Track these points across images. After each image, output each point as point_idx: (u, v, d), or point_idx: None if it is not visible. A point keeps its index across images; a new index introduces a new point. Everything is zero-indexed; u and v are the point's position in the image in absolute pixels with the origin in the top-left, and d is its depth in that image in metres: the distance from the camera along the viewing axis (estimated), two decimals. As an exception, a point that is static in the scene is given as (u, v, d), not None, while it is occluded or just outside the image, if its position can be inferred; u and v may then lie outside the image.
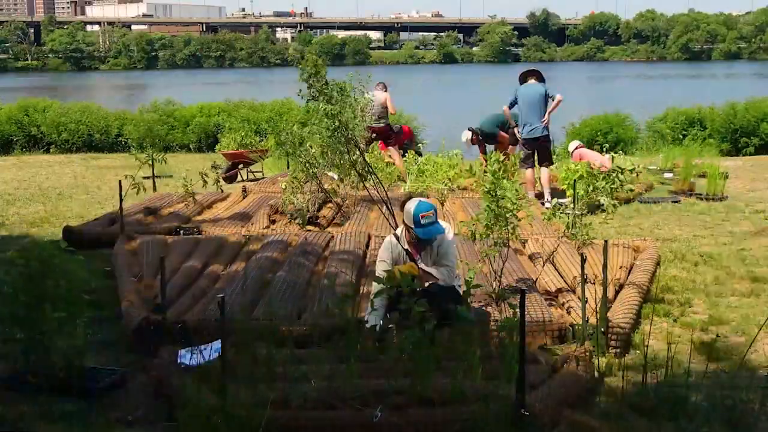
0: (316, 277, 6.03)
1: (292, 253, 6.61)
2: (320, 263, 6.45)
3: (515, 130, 10.43)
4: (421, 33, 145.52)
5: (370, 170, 7.20)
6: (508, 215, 5.40)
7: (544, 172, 9.84)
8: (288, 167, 12.15)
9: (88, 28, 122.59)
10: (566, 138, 17.28)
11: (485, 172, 10.60)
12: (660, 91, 43.13)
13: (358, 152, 7.08)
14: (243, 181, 12.25)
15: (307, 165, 8.47)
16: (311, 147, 8.46)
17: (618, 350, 4.74)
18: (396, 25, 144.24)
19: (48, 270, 4.29)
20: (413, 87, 49.10)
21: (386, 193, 7.29)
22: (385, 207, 7.11)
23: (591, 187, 6.78)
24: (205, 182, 10.30)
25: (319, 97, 6.71)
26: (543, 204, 9.25)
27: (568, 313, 5.13)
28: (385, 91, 11.75)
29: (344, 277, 5.79)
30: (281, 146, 8.55)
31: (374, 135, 11.04)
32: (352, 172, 7.75)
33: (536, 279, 5.87)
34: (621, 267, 6.08)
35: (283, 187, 8.79)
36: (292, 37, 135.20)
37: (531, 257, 6.60)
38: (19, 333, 4.30)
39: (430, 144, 17.13)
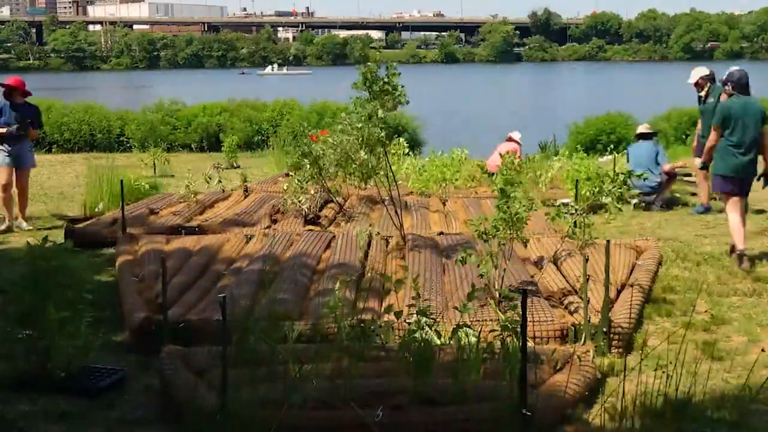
0: (318, 277, 6.03)
1: (294, 252, 6.60)
2: (322, 263, 6.44)
3: None
4: (422, 32, 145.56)
5: (391, 170, 7.22)
6: (515, 217, 5.40)
7: None
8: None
9: (90, 27, 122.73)
10: (569, 138, 17.30)
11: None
12: (662, 90, 43.10)
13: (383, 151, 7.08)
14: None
15: (317, 168, 8.44)
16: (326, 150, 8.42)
17: (620, 350, 4.73)
18: (398, 24, 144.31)
19: (53, 270, 4.29)
20: (415, 87, 49.03)
21: (399, 194, 7.29)
22: (392, 207, 7.13)
23: (597, 189, 6.79)
24: (208, 182, 10.27)
25: (380, 94, 6.67)
26: None
27: (571, 313, 5.12)
28: None
29: (345, 277, 5.77)
30: (306, 157, 8.50)
31: None
32: (358, 171, 7.71)
33: (538, 279, 5.86)
34: (623, 267, 6.08)
35: (285, 187, 8.78)
36: (294, 37, 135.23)
37: (533, 257, 6.59)
38: (21, 332, 4.30)
39: (432, 144, 17.13)
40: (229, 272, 6.16)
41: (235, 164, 13.82)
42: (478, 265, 5.21)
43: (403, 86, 6.80)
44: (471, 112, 33.26)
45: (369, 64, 6.72)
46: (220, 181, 10.34)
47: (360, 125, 6.67)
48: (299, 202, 8.47)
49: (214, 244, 6.98)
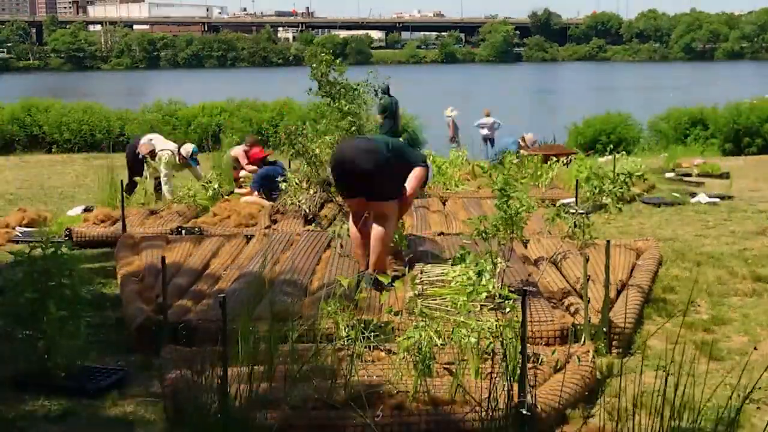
0: (318, 277, 6.02)
1: (294, 252, 6.60)
2: (322, 263, 6.44)
3: None
4: (422, 32, 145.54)
5: None
6: (515, 217, 5.41)
7: None
8: (289, 166, 12.11)
9: (90, 27, 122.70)
10: (569, 138, 17.32)
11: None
12: (662, 90, 43.09)
13: None
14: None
15: (312, 164, 8.51)
16: (317, 148, 8.50)
17: (620, 350, 4.73)
18: (398, 24, 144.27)
19: (52, 269, 4.30)
20: (415, 87, 49.08)
21: None
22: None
23: (597, 189, 6.79)
24: (207, 186, 10.13)
25: (335, 96, 6.70)
26: None
27: (572, 314, 5.11)
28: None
29: (345, 277, 5.77)
30: (292, 146, 8.55)
31: None
32: None
33: (538, 279, 5.86)
34: (623, 267, 6.08)
35: (283, 187, 8.78)
36: (294, 37, 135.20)
37: (533, 257, 6.59)
38: (21, 332, 4.30)
39: (432, 144, 17.13)
40: (229, 272, 6.16)
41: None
42: (476, 264, 5.21)
43: (359, 84, 6.81)
44: (471, 112, 33.23)
45: (313, 66, 6.71)
46: (220, 186, 10.25)
47: (329, 137, 6.71)
48: (299, 202, 8.47)
49: (214, 244, 6.98)
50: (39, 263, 4.30)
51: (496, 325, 4.33)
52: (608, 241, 4.97)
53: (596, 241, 6.68)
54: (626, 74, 74.53)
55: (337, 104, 6.64)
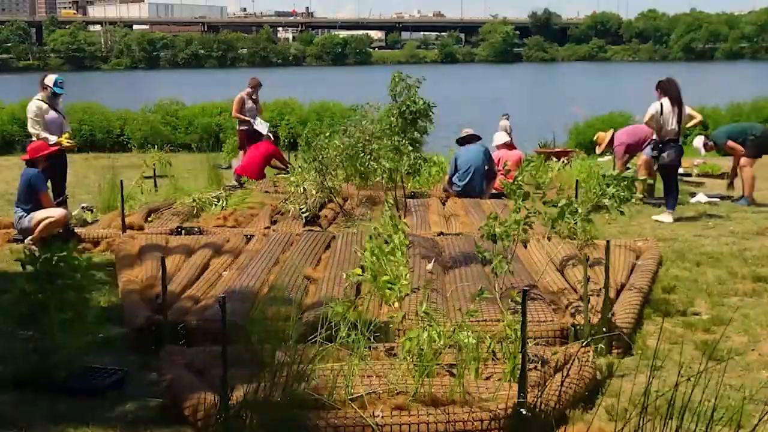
0: (318, 277, 6.02)
1: (294, 253, 6.60)
2: (322, 263, 6.45)
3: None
4: (422, 32, 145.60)
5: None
6: (526, 221, 5.43)
7: None
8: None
9: (90, 28, 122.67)
10: (569, 138, 17.31)
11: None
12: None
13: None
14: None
15: (321, 167, 8.65)
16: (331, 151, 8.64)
17: (620, 350, 4.73)
18: (397, 24, 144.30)
19: (55, 270, 4.30)
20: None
21: (404, 194, 7.36)
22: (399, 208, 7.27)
23: (600, 192, 6.78)
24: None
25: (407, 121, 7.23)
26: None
27: (573, 315, 5.11)
28: None
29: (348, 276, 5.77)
30: (314, 161, 8.76)
31: None
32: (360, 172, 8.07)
33: (539, 280, 5.86)
34: (623, 268, 6.08)
35: (289, 188, 8.80)
36: (294, 37, 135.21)
37: (533, 258, 6.59)
38: (22, 333, 4.30)
39: (432, 145, 17.11)
40: (228, 273, 6.16)
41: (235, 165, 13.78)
42: (487, 264, 5.22)
43: (434, 104, 7.23)
44: (471, 112, 33.28)
45: (408, 102, 7.16)
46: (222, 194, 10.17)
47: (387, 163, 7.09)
48: (299, 203, 8.47)
49: (214, 244, 6.98)
50: (41, 264, 4.30)
51: (497, 325, 4.33)
52: (608, 241, 4.98)
53: (596, 242, 6.68)
54: (626, 74, 74.45)
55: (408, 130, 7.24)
